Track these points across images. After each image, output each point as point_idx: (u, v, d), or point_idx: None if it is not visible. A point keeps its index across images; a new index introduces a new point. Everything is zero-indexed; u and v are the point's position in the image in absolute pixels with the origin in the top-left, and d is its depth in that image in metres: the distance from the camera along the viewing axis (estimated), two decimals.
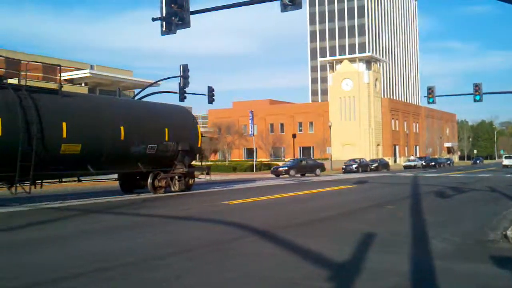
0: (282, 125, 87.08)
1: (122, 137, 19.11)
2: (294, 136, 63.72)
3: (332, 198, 19.68)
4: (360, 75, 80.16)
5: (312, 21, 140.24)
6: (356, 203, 16.86)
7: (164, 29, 15.35)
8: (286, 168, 45.08)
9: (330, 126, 67.47)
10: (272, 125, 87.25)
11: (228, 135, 70.32)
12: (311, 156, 73.25)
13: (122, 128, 19.15)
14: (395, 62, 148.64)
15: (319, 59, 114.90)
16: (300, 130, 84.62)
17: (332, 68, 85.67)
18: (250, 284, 6.44)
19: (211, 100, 35.73)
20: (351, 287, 6.22)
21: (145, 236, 10.12)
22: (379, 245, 8.87)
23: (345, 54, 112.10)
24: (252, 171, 57.52)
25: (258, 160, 65.35)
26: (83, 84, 76.79)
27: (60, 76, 21.12)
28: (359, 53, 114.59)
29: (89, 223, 12.70)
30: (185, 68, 32.94)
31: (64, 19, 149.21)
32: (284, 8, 14.30)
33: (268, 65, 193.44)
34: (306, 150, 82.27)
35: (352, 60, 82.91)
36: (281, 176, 43.84)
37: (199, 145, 23.70)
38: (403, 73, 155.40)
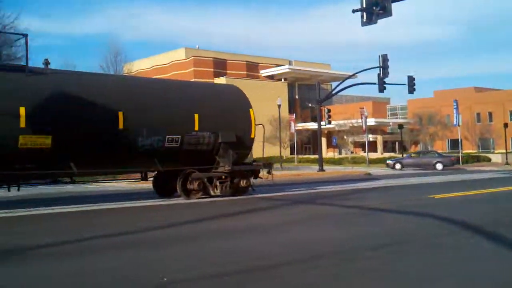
0: (490, 114, 79.79)
1: (121, 126, 14.86)
2: (505, 125, 58.05)
3: None
4: None
5: None
6: None
7: (364, 20, 15.15)
8: None
9: None
10: (478, 114, 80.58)
11: (430, 126, 67.05)
12: None
13: (120, 114, 14.90)
14: None
15: None
16: None
17: None
18: None
19: (411, 90, 34.53)
20: None
21: None
22: None
23: None
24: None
25: (464, 152, 60.95)
26: (282, 80, 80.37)
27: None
28: None
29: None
30: (384, 58, 32.36)
31: (263, 19, 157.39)
32: None
33: (470, 51, 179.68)
34: None
35: None
36: None
37: (252, 136, 17.85)
38: None
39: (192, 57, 74.37)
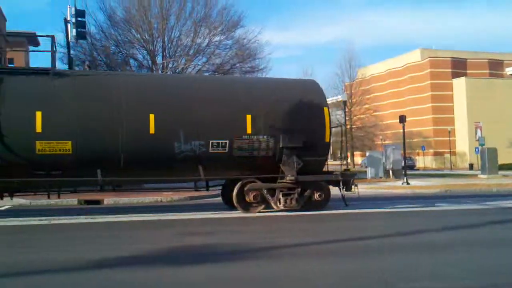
0: None
1: (152, 130, 13.34)
2: None
3: None
4: None
5: None
6: None
7: None
8: None
9: None
10: None
11: None
12: None
13: (152, 116, 13.40)
14: None
15: None
16: None
17: None
18: None
19: None
20: None
21: None
22: None
23: None
24: None
25: None
26: None
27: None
28: None
29: None
30: None
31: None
32: None
33: None
34: None
35: None
36: None
37: (326, 140, 14.83)
38: None
39: (428, 58, 72.08)
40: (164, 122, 13.45)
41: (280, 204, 14.42)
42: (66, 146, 12.89)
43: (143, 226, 12.47)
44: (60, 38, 49.33)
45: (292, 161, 14.25)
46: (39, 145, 12.70)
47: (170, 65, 29.54)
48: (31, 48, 53.11)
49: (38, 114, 12.73)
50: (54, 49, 15.27)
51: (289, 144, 14.24)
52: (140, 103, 13.62)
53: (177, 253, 8.76)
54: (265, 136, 14.23)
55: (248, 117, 14.16)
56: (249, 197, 14.38)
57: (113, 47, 30.39)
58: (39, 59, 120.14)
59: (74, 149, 12.90)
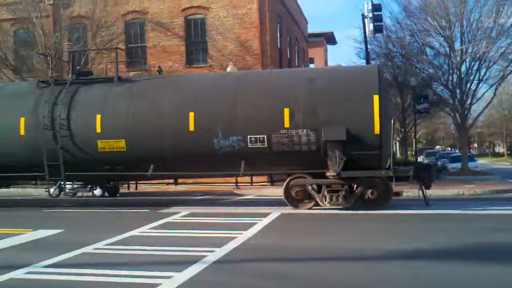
0: None
1: (192, 127, 14.12)
2: None
3: None
4: None
5: None
6: None
7: None
8: None
9: None
10: None
11: None
12: None
13: (191, 114, 14.14)
14: None
15: None
16: None
17: None
18: None
19: None
20: None
21: None
22: None
23: None
24: None
25: None
26: None
27: None
28: None
29: None
30: None
31: None
32: None
33: None
34: None
35: None
36: None
37: (376, 132, 13.32)
38: None
39: None
40: (202, 120, 14.03)
41: (325, 202, 13.72)
42: (121, 144, 14.63)
43: (438, 219, 12.32)
44: (356, 34, 46.15)
45: (334, 155, 13.40)
46: (100, 143, 14.74)
47: (469, 50, 28.78)
48: (328, 46, 49.45)
49: (98, 117, 14.74)
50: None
51: (330, 138, 13.34)
52: (180, 103, 14.52)
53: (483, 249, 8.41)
54: (304, 130, 13.57)
55: (286, 110, 13.67)
56: (293, 193, 14.10)
57: (408, 38, 30.66)
58: (335, 56, 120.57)
59: (127, 146, 14.59)
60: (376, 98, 13.33)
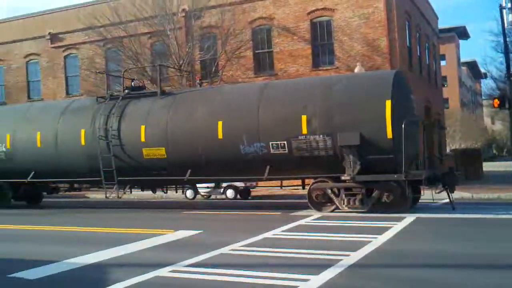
0: None
1: (220, 135, 15.22)
2: None
3: None
4: None
5: None
6: None
7: None
8: None
9: None
10: None
11: None
12: None
13: (220, 123, 15.27)
14: None
15: None
16: None
17: None
18: None
19: None
20: None
21: None
22: None
23: None
24: None
25: None
26: None
27: None
28: None
29: None
30: None
31: None
32: None
33: None
34: None
35: None
36: None
37: (389, 136, 13.53)
38: None
39: None
40: (229, 128, 15.17)
41: (343, 205, 14.17)
42: (162, 151, 16.19)
43: None
44: (492, 26, 48.53)
45: (349, 160, 13.83)
46: (144, 151, 16.41)
47: None
48: (461, 42, 53.06)
49: (142, 127, 16.43)
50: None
51: (344, 143, 13.81)
52: (211, 113, 15.77)
53: None
54: (321, 136, 14.14)
55: (303, 117, 14.36)
56: (314, 196, 14.64)
57: None
58: (469, 52, 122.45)
59: (167, 154, 16.05)
60: (388, 103, 13.58)
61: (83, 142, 17.35)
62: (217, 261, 8.28)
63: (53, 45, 33.01)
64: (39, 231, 13.06)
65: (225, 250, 9.18)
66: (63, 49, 32.83)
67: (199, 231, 11.72)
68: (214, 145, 15.39)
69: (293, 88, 15.66)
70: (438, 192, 14.50)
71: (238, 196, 21.14)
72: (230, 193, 20.85)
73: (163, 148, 16.12)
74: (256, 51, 27.46)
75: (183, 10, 26.81)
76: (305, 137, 14.31)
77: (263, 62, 27.48)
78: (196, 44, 26.21)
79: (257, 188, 22.27)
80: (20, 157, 18.53)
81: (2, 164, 18.80)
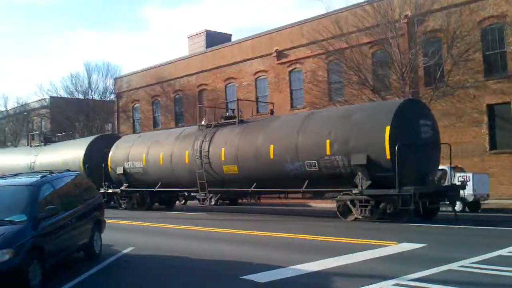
0: None
1: (272, 156, 18.93)
2: None
3: None
4: None
5: None
6: None
7: None
8: None
9: None
10: None
11: None
12: None
13: (271, 146, 19.05)
14: None
15: None
16: None
17: None
18: None
19: None
20: None
21: None
22: None
23: None
24: None
25: None
26: None
27: None
28: None
29: None
30: None
31: None
32: None
33: None
34: None
35: None
36: None
37: (387, 157, 15.73)
38: None
39: None
40: (278, 150, 18.75)
41: (357, 213, 16.66)
42: (235, 168, 20.46)
43: None
44: None
45: (358, 177, 16.36)
46: (224, 168, 20.81)
47: None
48: None
49: (223, 149, 20.85)
50: None
51: (355, 162, 16.42)
52: (266, 138, 19.57)
53: None
54: (339, 156, 16.89)
55: (327, 141, 17.21)
56: (339, 206, 17.49)
57: None
58: None
59: (238, 170, 20.26)
60: (387, 129, 15.90)
61: (187, 161, 22.49)
62: (443, 277, 7.85)
63: (279, 62, 34.26)
64: (261, 236, 13.98)
65: (453, 266, 8.59)
66: (288, 64, 33.92)
67: (424, 245, 11.12)
68: (268, 163, 19.19)
69: (325, 117, 18.87)
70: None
71: (467, 209, 20.02)
72: (457, 205, 18.58)
73: (235, 166, 20.40)
74: (487, 53, 25.25)
75: (406, 16, 25.71)
76: (329, 157, 17.21)
77: (494, 64, 25.29)
78: (420, 50, 24.78)
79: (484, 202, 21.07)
80: (151, 171, 24.52)
81: (140, 176, 25.57)
